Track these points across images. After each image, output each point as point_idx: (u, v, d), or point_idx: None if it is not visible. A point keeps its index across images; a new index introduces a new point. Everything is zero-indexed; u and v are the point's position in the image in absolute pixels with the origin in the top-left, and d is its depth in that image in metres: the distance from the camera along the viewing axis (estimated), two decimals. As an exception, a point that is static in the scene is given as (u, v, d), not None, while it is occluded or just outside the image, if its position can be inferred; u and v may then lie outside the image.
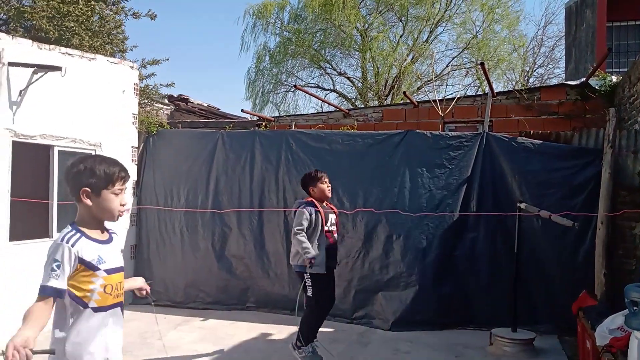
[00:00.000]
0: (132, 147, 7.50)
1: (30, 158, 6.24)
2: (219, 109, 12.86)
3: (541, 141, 6.41)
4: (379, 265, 6.49)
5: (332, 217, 5.04)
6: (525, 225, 5.95)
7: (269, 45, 16.82)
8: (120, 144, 7.23)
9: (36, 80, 5.84)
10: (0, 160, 5.57)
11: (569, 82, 8.75)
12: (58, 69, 5.85)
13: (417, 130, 6.87)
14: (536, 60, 19.29)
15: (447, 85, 16.34)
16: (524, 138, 6.48)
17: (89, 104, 6.67)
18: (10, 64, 5.60)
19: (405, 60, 16.18)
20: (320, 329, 5.05)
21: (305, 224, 4.78)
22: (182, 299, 7.26)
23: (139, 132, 7.59)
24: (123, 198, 2.30)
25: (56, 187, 6.22)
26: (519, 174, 6.27)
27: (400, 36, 16.41)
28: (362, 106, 14.64)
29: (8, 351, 1.87)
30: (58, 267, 2.08)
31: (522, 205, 5.67)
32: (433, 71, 15.59)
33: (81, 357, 2.17)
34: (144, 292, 2.71)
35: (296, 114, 12.46)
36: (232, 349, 5.59)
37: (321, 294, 4.83)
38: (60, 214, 6.22)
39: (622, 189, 5.75)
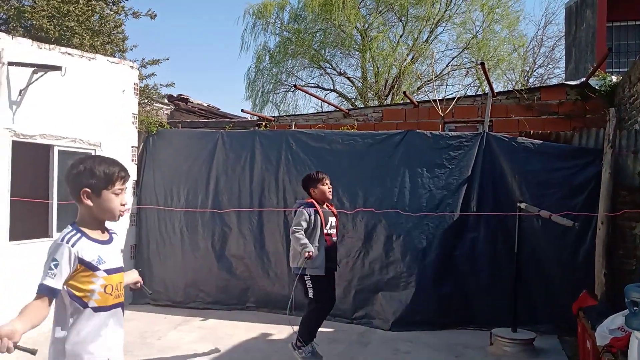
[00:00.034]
0: (132, 146, 7.50)
1: (30, 158, 6.24)
2: (218, 109, 12.85)
3: (541, 141, 6.41)
4: (379, 265, 6.49)
5: (332, 220, 5.03)
6: (526, 225, 5.95)
7: (268, 45, 16.83)
8: (120, 143, 7.22)
9: (36, 79, 5.84)
10: (0, 160, 5.57)
11: (569, 82, 8.75)
12: (58, 68, 5.84)
13: (417, 130, 6.87)
14: (536, 60, 19.32)
15: (447, 85, 16.35)
16: (524, 138, 6.48)
17: (88, 104, 6.67)
18: (10, 63, 5.60)
19: (405, 60, 16.17)
20: (320, 329, 5.05)
21: (304, 224, 4.78)
22: (182, 299, 7.26)
23: (138, 131, 7.58)
24: (123, 198, 2.30)
25: (56, 186, 6.22)
26: (519, 174, 6.27)
27: (400, 36, 16.41)
28: (362, 106, 14.63)
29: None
30: (55, 266, 2.08)
31: (522, 205, 5.67)
32: (433, 71, 15.58)
33: (81, 357, 2.17)
34: (139, 285, 2.70)
35: (296, 113, 12.45)
36: (232, 348, 5.59)
37: (321, 295, 4.82)
38: (60, 213, 6.22)
39: (622, 189, 5.75)
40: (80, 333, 2.16)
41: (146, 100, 8.91)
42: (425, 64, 16.40)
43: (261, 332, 6.17)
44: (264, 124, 9.70)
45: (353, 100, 17.06)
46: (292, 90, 16.66)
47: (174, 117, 10.67)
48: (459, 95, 9.10)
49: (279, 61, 16.49)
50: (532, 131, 6.86)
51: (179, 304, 7.21)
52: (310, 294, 4.81)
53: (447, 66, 16.75)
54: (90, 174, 2.20)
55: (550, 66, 19.43)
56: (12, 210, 5.71)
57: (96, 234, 2.25)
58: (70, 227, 2.22)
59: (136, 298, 7.28)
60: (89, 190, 2.20)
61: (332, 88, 17.42)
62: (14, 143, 5.75)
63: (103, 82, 6.91)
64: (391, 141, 6.74)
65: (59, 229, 6.18)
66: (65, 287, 2.13)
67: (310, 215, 4.82)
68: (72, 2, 8.52)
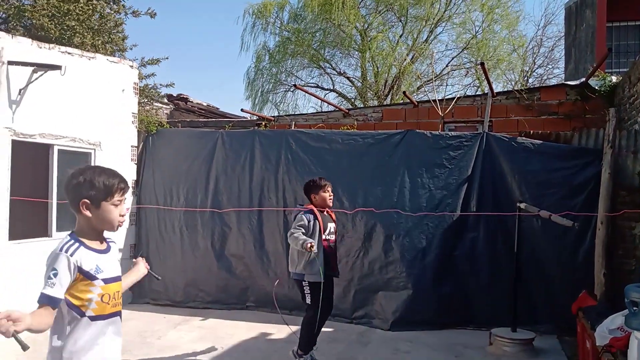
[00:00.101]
0: (132, 146, 7.49)
1: (29, 157, 6.23)
2: (218, 109, 12.84)
3: (541, 141, 6.41)
4: (379, 265, 6.49)
5: (331, 226, 5.00)
6: (525, 225, 5.95)
7: (268, 44, 16.82)
8: (119, 143, 7.22)
9: (36, 79, 5.83)
10: (-1, 159, 5.57)
11: (569, 82, 8.74)
12: (58, 67, 5.84)
13: (417, 130, 6.87)
14: (535, 61, 19.31)
15: (446, 85, 16.31)
16: (524, 138, 6.48)
17: (88, 103, 6.67)
18: (10, 62, 5.60)
19: (405, 60, 16.16)
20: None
21: (302, 230, 4.77)
22: (181, 299, 7.25)
23: (138, 131, 7.58)
24: (122, 208, 2.30)
25: (55, 186, 6.22)
26: (519, 174, 6.27)
27: (400, 36, 16.40)
28: (362, 106, 14.63)
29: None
30: (55, 275, 2.08)
31: (522, 205, 5.67)
32: (433, 71, 15.57)
33: None
34: (146, 271, 2.71)
35: (296, 113, 12.44)
36: (232, 348, 5.58)
37: (318, 301, 4.75)
38: (60, 212, 6.22)
39: (622, 189, 5.75)
40: (77, 342, 2.17)
41: (146, 100, 8.91)
42: (425, 64, 16.41)
43: (261, 331, 6.17)
44: (263, 123, 9.70)
45: (353, 100, 17.05)
46: (291, 90, 16.65)
47: (173, 117, 10.66)
48: (458, 95, 9.09)
49: (278, 61, 16.48)
50: (532, 131, 6.86)
51: (179, 303, 7.21)
52: (308, 300, 4.80)
53: (446, 66, 16.76)
54: (90, 185, 2.21)
55: (550, 66, 19.44)
56: (11, 210, 5.71)
57: (94, 244, 2.26)
58: (68, 237, 2.22)
59: (135, 297, 7.28)
60: (88, 201, 2.20)
61: (331, 88, 17.43)
62: (14, 142, 5.75)
63: (103, 82, 6.91)
64: (391, 141, 6.74)
65: (59, 229, 6.18)
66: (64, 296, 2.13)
67: (309, 221, 4.81)
68: (72, 1, 8.51)
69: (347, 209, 6.58)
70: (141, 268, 2.69)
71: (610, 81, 7.54)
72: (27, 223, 6.07)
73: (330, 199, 5.06)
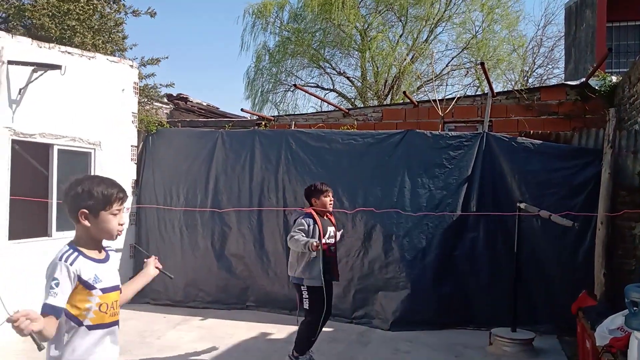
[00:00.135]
0: (132, 146, 7.49)
1: (29, 157, 6.23)
2: (218, 108, 12.82)
3: (541, 141, 6.41)
4: (379, 265, 6.48)
5: (331, 230, 4.98)
6: (525, 225, 5.95)
7: (268, 44, 16.82)
8: (119, 142, 7.22)
9: (36, 78, 5.83)
10: (-1, 159, 5.57)
11: (569, 82, 8.74)
12: (57, 67, 5.84)
13: (417, 130, 6.87)
14: (535, 61, 19.31)
15: (446, 85, 16.33)
16: (524, 138, 6.48)
17: (88, 103, 6.66)
18: (10, 62, 5.59)
19: (405, 60, 16.16)
20: (320, 329, 5.04)
21: (301, 233, 4.76)
22: (181, 298, 7.25)
23: (138, 131, 7.58)
24: (121, 218, 2.30)
25: (55, 185, 6.21)
26: (519, 174, 6.27)
27: (400, 36, 16.40)
28: (362, 106, 14.63)
29: (17, 314, 1.87)
30: (57, 285, 2.08)
31: (522, 205, 5.67)
32: (433, 71, 15.57)
33: None
34: (158, 271, 2.70)
35: (296, 113, 12.44)
36: (232, 348, 5.58)
37: (316, 306, 4.76)
38: (60, 212, 6.21)
39: (622, 189, 5.75)
40: (75, 352, 2.17)
41: (146, 99, 8.91)
42: (424, 63, 16.41)
43: (261, 331, 6.17)
44: (263, 123, 9.69)
45: (352, 100, 17.06)
46: (291, 89, 16.65)
47: (173, 117, 10.65)
48: (458, 95, 9.09)
49: (278, 60, 16.49)
50: (531, 131, 6.85)
51: (179, 303, 7.20)
52: (306, 305, 4.79)
53: (446, 66, 16.77)
54: (89, 195, 2.20)
55: (550, 66, 19.45)
56: (11, 209, 5.70)
57: (93, 253, 2.26)
58: (67, 247, 2.22)
59: (135, 297, 7.18)
60: (86, 211, 2.20)
61: (331, 88, 17.43)
62: (14, 142, 5.74)
63: (103, 81, 6.90)
64: (391, 141, 6.73)
65: (59, 228, 6.18)
66: None
67: (308, 225, 4.81)
68: (72, 1, 8.51)
69: (347, 209, 6.58)
70: (151, 270, 2.66)
71: (610, 81, 7.54)
72: (27, 222, 6.07)
73: (331, 204, 5.06)
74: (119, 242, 7.00)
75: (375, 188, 6.61)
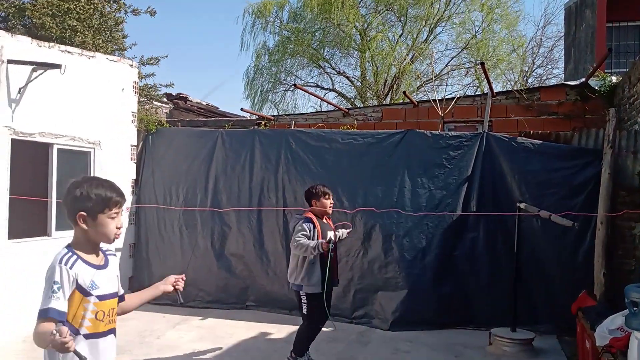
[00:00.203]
0: (131, 145, 7.49)
1: (29, 156, 6.22)
2: (217, 108, 12.82)
3: (541, 141, 6.41)
4: (379, 265, 6.48)
5: (330, 234, 4.91)
6: (525, 225, 5.95)
7: (268, 44, 16.79)
8: (119, 142, 7.21)
9: (35, 78, 5.82)
10: (-1, 158, 5.56)
11: (568, 83, 8.74)
12: (57, 66, 5.83)
13: (417, 130, 6.87)
14: (535, 61, 19.31)
15: (446, 85, 16.31)
16: (523, 138, 6.48)
17: (88, 102, 6.66)
18: (10, 61, 5.59)
19: (405, 60, 16.15)
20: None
21: (304, 238, 4.74)
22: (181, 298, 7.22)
23: (138, 130, 7.58)
24: (119, 221, 2.29)
25: (55, 185, 6.21)
26: (519, 174, 6.27)
27: (400, 36, 16.39)
28: (361, 105, 14.63)
29: (63, 332, 1.85)
30: (59, 289, 2.06)
31: (522, 205, 5.67)
32: (432, 71, 15.57)
33: None
34: (173, 290, 2.58)
35: (295, 113, 12.42)
36: (231, 348, 5.58)
37: (314, 312, 4.76)
38: (59, 212, 6.21)
39: (622, 189, 5.75)
40: None
41: (145, 99, 8.91)
42: (424, 63, 16.39)
43: (260, 331, 6.17)
44: (263, 123, 9.69)
45: (352, 99, 17.05)
46: (291, 89, 16.63)
47: (173, 116, 10.64)
48: (458, 95, 9.09)
49: (278, 60, 16.47)
50: (531, 131, 6.86)
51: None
52: (304, 310, 4.79)
53: (446, 66, 16.74)
54: (87, 198, 2.19)
55: (550, 66, 19.44)
56: (11, 209, 5.69)
57: (91, 258, 2.24)
58: (65, 250, 2.20)
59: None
60: (84, 214, 2.19)
61: (331, 87, 17.42)
62: (13, 141, 5.73)
63: (102, 81, 6.90)
64: (391, 140, 6.73)
65: (58, 228, 6.17)
66: None
67: (309, 230, 4.80)
68: (72, 0, 8.50)
69: (347, 209, 6.57)
70: (166, 286, 2.57)
71: (610, 81, 7.54)
72: (27, 222, 6.06)
73: (331, 207, 5.04)
74: (119, 242, 7.00)
75: (375, 188, 6.61)
